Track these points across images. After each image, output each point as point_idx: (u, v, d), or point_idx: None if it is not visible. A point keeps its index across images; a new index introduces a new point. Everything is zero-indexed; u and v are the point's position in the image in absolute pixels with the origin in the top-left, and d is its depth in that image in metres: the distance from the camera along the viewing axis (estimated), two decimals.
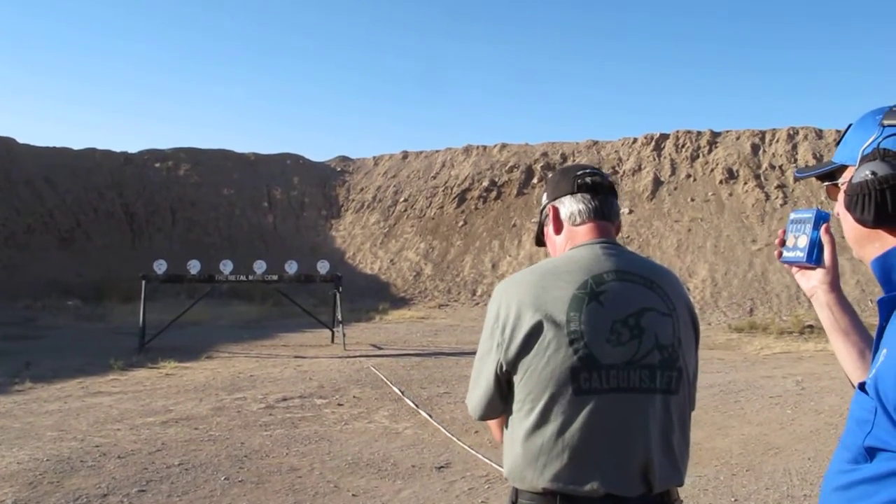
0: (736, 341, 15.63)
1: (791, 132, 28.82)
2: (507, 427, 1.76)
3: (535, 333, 1.65)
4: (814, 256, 1.56)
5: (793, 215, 1.63)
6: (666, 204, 27.39)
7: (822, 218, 1.58)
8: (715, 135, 29.98)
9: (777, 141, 28.67)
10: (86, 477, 5.90)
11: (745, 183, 27.28)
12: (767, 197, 26.44)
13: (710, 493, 5.59)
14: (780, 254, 1.63)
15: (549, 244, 1.99)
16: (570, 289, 1.69)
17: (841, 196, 1.40)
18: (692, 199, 27.31)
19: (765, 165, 27.84)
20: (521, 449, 1.68)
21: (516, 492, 1.72)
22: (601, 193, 1.90)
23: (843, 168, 1.42)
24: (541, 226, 2.04)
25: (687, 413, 1.77)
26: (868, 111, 1.39)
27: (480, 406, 1.80)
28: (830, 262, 1.56)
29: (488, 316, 1.77)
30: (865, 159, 1.32)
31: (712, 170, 28.47)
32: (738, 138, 29.44)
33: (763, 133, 29.32)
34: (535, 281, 1.74)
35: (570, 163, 30.02)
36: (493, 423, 1.88)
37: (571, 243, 1.86)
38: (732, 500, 5.47)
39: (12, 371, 10.93)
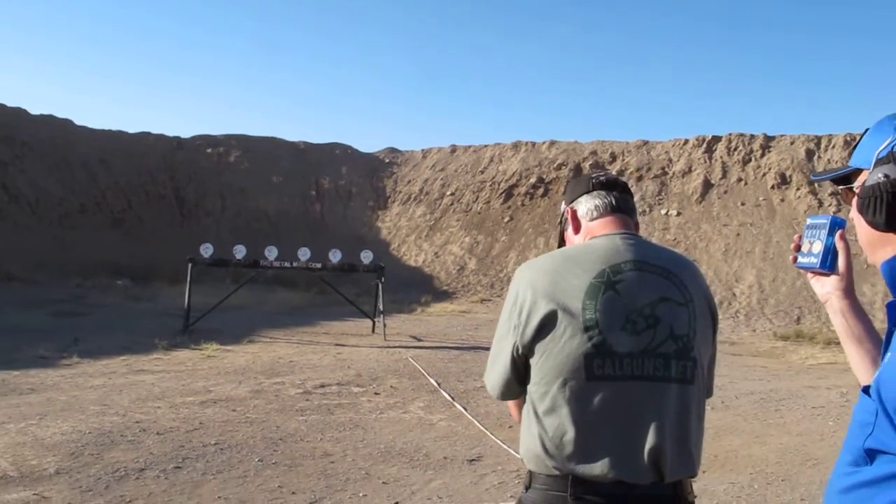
0: (781, 349, 15.38)
1: (848, 138, 28.14)
2: (524, 409, 1.78)
3: (550, 319, 1.68)
4: (828, 263, 1.57)
5: (809, 221, 1.65)
6: (715, 207, 27.00)
7: (837, 224, 1.60)
8: (769, 139, 29.43)
9: (833, 147, 28.05)
10: (125, 451, 6.04)
11: (798, 189, 26.76)
12: (821, 204, 25.89)
13: (744, 501, 5.52)
14: (795, 259, 1.65)
15: (568, 241, 2.03)
16: (587, 277, 1.72)
17: (855, 200, 1.39)
18: (742, 204, 26.88)
19: (819, 171, 27.26)
20: (536, 431, 1.71)
21: (530, 475, 1.74)
22: (616, 190, 1.96)
23: (858, 172, 1.41)
24: (561, 233, 2.09)
25: (702, 404, 1.79)
26: (885, 115, 1.38)
27: (498, 386, 1.84)
28: (844, 269, 1.57)
29: (508, 298, 1.81)
30: (880, 162, 1.31)
31: (764, 174, 27.98)
32: (792, 143, 28.87)
33: (819, 138, 28.70)
34: (553, 267, 1.77)
35: (619, 162, 29.76)
36: (511, 404, 1.92)
37: (590, 236, 1.88)
38: None
39: (61, 346, 11.21)
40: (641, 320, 1.69)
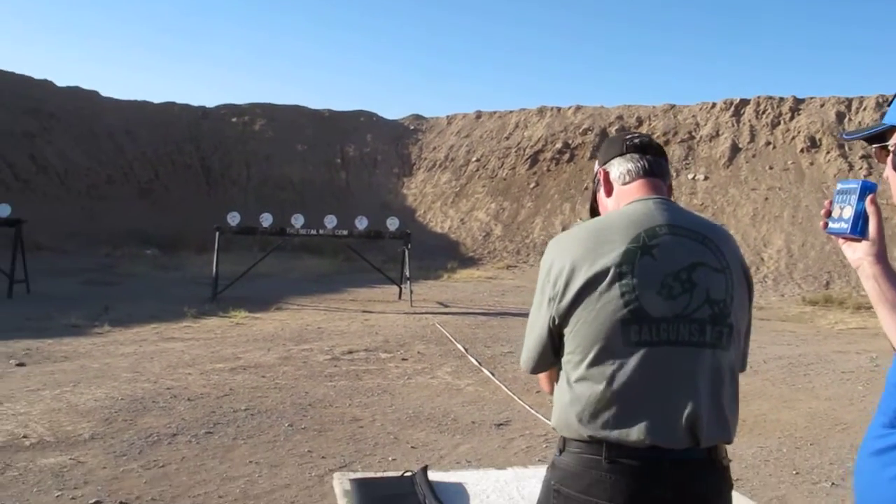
0: (809, 314, 15.25)
1: (880, 100, 27.59)
2: (557, 379, 1.78)
3: (587, 287, 1.66)
4: (858, 228, 1.53)
5: (839, 185, 1.59)
6: (743, 171, 26.69)
7: (867, 188, 1.54)
8: (798, 101, 28.96)
9: (864, 109, 27.53)
10: (157, 417, 6.13)
11: (828, 152, 26.35)
12: (851, 167, 25.49)
13: (772, 465, 5.51)
14: (826, 224, 1.59)
15: (601, 209, 2.00)
16: (622, 242, 1.69)
17: (890, 159, 1.35)
18: (771, 168, 26.54)
19: None
20: (569, 398, 1.69)
21: (564, 440, 1.73)
22: (650, 153, 1.91)
23: (893, 129, 1.37)
24: (594, 194, 2.05)
25: (736, 370, 1.76)
26: None
27: (532, 359, 1.82)
28: (876, 234, 1.52)
29: (541, 271, 1.79)
30: None
31: (793, 138, 27.57)
32: (822, 105, 28.37)
33: (850, 100, 28.17)
34: (587, 236, 1.74)
35: (645, 126, 29.44)
36: (543, 377, 1.90)
37: (623, 201, 1.86)
38: (794, 472, 5.39)
39: (92, 314, 11.37)
40: (677, 285, 1.67)
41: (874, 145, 1.44)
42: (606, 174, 1.93)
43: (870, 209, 1.53)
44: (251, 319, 11.78)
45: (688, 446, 1.64)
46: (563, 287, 1.69)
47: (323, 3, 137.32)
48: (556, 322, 1.71)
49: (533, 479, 2.61)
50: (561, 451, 1.74)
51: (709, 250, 1.73)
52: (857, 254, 1.53)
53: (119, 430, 5.74)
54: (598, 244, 1.70)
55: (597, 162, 2.01)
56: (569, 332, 1.70)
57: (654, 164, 1.90)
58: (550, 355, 1.77)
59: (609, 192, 1.93)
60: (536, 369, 1.84)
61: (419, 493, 2.42)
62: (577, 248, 1.71)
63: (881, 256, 1.52)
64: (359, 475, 2.64)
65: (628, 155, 1.90)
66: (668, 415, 1.63)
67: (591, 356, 1.66)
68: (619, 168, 1.90)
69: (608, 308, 1.64)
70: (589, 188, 2.09)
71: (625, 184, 1.87)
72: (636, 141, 1.92)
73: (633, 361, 1.63)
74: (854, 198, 1.54)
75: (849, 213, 1.55)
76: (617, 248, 1.68)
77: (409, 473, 2.63)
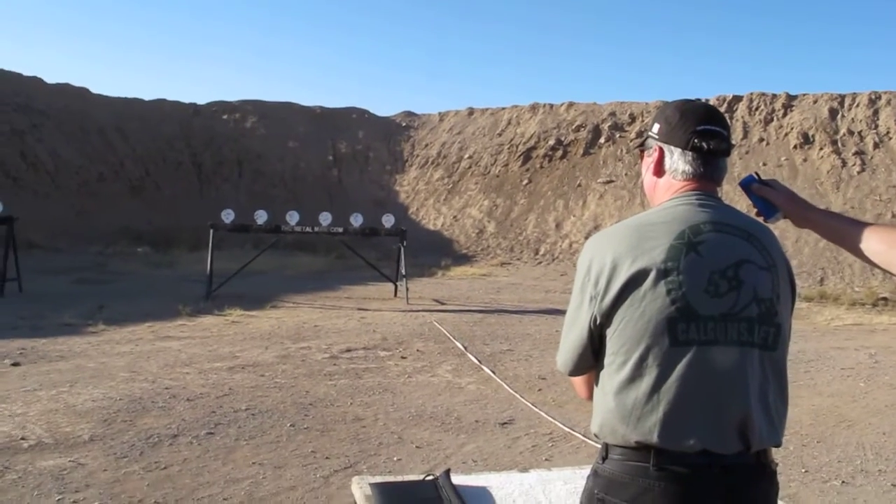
0: (805, 311, 15.23)
1: (873, 96, 27.67)
2: (597, 383, 1.70)
3: (630, 284, 1.59)
4: (769, 212, 1.87)
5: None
6: (737, 168, 26.67)
7: (746, 184, 1.91)
8: (791, 98, 29.00)
9: (857, 105, 27.57)
10: (157, 417, 6.04)
11: (821, 148, 26.39)
12: (844, 163, 25.54)
13: (781, 463, 5.42)
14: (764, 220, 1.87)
15: (645, 175, 1.88)
16: (667, 239, 1.62)
17: None
18: (764, 164, 26.55)
19: (843, 131, 26.83)
20: (613, 402, 1.62)
21: (607, 447, 1.66)
22: (716, 156, 1.77)
23: None
24: (642, 153, 1.91)
25: (784, 371, 1.68)
26: None
27: (572, 360, 1.74)
28: (783, 201, 1.87)
29: (579, 270, 1.71)
30: None
31: (787, 134, 27.61)
32: (815, 102, 28.42)
33: (842, 97, 28.22)
34: (629, 233, 1.67)
35: (638, 123, 29.38)
36: (579, 381, 1.82)
37: (669, 192, 1.76)
38: (803, 470, 5.34)
39: (86, 313, 11.26)
40: (724, 282, 1.60)
41: None
42: (662, 156, 1.80)
43: (760, 193, 1.89)
44: (247, 317, 11.68)
45: (738, 451, 1.58)
46: (606, 285, 1.62)
47: (314, 1, 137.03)
48: (598, 322, 1.64)
49: (558, 481, 2.55)
50: (604, 459, 1.66)
51: (754, 248, 1.67)
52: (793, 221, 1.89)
53: (119, 431, 5.65)
54: (640, 240, 1.63)
55: (655, 126, 1.83)
56: (612, 333, 1.63)
57: (712, 167, 1.77)
58: (590, 357, 1.70)
59: (658, 173, 1.81)
60: (576, 371, 1.77)
61: (444, 497, 2.35)
62: (618, 245, 1.64)
63: (802, 214, 1.85)
64: (378, 479, 2.56)
65: (689, 154, 1.76)
66: (718, 418, 1.56)
67: (636, 356, 1.59)
68: (675, 162, 1.77)
69: (654, 306, 1.57)
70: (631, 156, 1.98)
71: (675, 178, 1.78)
72: (702, 144, 1.74)
73: (681, 361, 1.57)
74: (747, 196, 1.91)
75: (754, 209, 1.88)
76: (661, 244, 1.61)
77: (431, 477, 2.55)
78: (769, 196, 1.87)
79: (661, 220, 1.68)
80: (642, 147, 1.90)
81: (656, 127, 1.82)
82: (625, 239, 1.65)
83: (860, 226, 1.73)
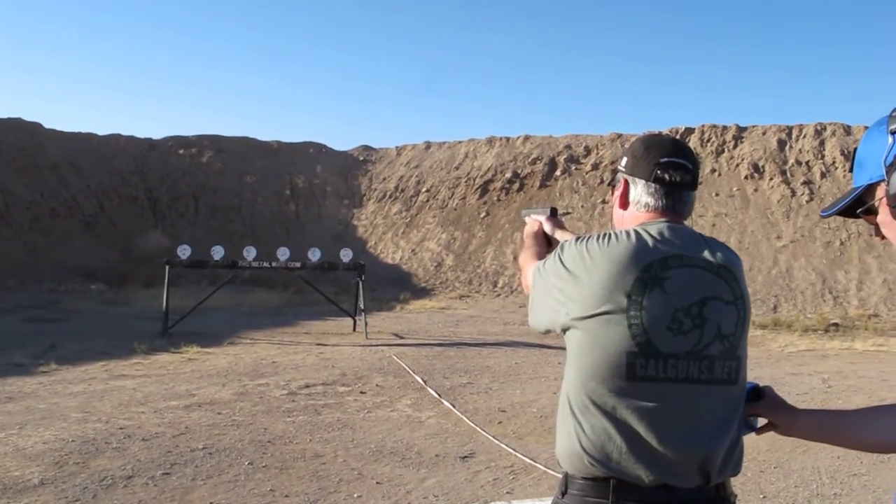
0: (760, 338, 15.45)
1: (819, 128, 28.45)
2: (559, 406, 1.70)
3: (594, 312, 1.60)
4: (753, 426, 1.76)
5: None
6: None
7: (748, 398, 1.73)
8: (741, 129, 29.67)
9: (804, 136, 28.31)
10: (111, 458, 5.91)
11: (771, 179, 26.99)
12: (793, 193, 26.14)
13: (739, 489, 5.46)
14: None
15: (613, 209, 1.89)
16: (634, 271, 1.60)
17: (883, 211, 1.38)
18: (717, 195, 27.05)
19: (791, 161, 27.51)
20: (573, 430, 1.62)
21: (566, 480, 1.66)
22: (679, 190, 1.76)
23: (870, 189, 1.41)
24: (612, 185, 1.93)
25: (742, 400, 1.69)
26: (867, 130, 1.42)
27: (541, 322, 1.77)
28: (771, 414, 1.74)
29: (558, 266, 1.70)
30: (892, 168, 1.31)
31: (737, 165, 28.19)
32: (764, 133, 29.11)
33: (790, 128, 28.97)
34: (601, 256, 1.64)
35: (594, 155, 29.75)
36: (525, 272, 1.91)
37: (635, 223, 1.75)
38: (761, 496, 5.39)
39: (37, 352, 11.02)
40: (688, 320, 1.59)
41: (859, 212, 1.47)
42: (626, 188, 1.81)
43: (755, 412, 1.75)
44: (204, 354, 11.52)
45: (698, 485, 1.59)
46: (568, 303, 1.64)
47: (268, 35, 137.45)
48: (560, 328, 1.67)
49: None
50: (563, 494, 1.66)
51: (723, 281, 1.66)
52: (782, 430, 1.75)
53: (71, 473, 5.51)
54: (611, 265, 1.61)
55: (623, 160, 1.84)
56: (573, 354, 1.64)
57: (677, 200, 1.76)
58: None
59: (623, 205, 1.82)
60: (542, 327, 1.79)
61: None
62: (591, 266, 1.63)
63: (790, 422, 1.72)
64: None
65: (653, 186, 1.75)
66: (677, 453, 1.57)
67: (594, 385, 1.59)
68: (639, 194, 1.77)
69: (615, 339, 1.57)
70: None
71: (639, 211, 1.78)
72: (665, 176, 1.73)
73: (638, 397, 1.57)
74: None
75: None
76: (628, 275, 1.60)
77: None
78: (757, 412, 1.75)
79: (631, 248, 1.64)
80: (613, 183, 1.91)
81: (624, 160, 1.83)
82: (597, 262, 1.63)
83: (858, 411, 1.65)
